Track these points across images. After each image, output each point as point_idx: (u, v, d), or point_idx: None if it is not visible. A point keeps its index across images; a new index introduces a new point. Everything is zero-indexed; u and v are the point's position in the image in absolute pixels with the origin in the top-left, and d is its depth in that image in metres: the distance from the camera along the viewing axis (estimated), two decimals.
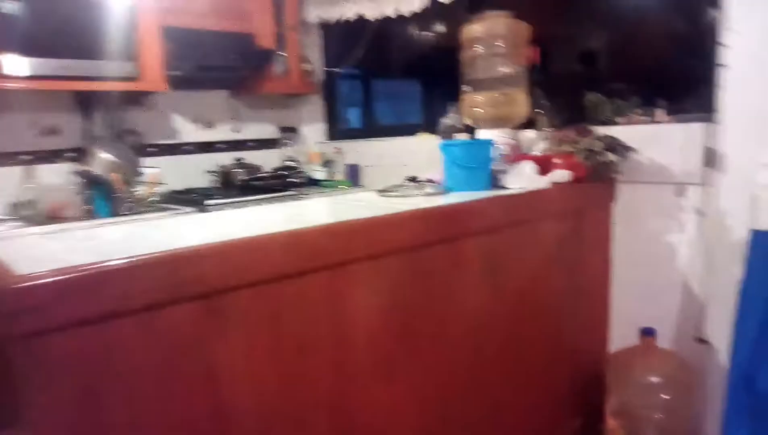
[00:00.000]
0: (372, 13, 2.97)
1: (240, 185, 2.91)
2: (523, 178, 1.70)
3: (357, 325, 1.27)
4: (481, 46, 2.07)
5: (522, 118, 2.05)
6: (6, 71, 2.20)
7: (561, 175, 1.74)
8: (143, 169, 2.69)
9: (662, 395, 1.68)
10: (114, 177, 2.46)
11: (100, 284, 0.94)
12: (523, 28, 2.04)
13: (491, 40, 2.05)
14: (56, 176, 2.63)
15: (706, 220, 1.76)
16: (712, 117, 1.69)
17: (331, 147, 3.34)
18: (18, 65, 2.23)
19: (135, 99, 2.84)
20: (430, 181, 1.79)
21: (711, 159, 1.71)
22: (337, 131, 3.50)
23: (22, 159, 2.58)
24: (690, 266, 1.82)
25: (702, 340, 1.77)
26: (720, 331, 1.69)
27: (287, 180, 3.06)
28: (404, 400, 1.39)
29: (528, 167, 1.72)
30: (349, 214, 1.35)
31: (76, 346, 0.92)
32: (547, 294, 1.76)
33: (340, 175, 3.23)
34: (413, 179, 1.78)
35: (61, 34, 2.37)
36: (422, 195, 1.65)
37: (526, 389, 1.73)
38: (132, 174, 2.57)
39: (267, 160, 3.31)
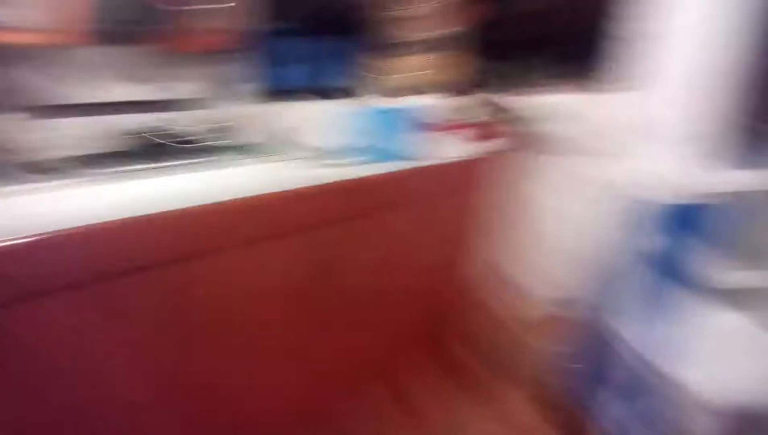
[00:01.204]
0: None
1: (158, 149, 2.74)
2: (447, 147, 1.68)
3: (248, 306, 1.23)
4: (407, 8, 2.00)
5: (451, 83, 2.01)
6: None
7: (485, 144, 1.72)
8: (54, 130, 2.48)
9: (572, 363, 1.74)
10: (21, 139, 2.25)
11: None
12: None
13: (418, 1, 1.98)
14: None
15: (613, 191, 1.77)
16: (616, 88, 1.70)
17: (254, 109, 3.20)
18: None
19: (36, 54, 2.60)
20: (350, 148, 1.74)
21: (636, 129, 1.72)
22: (262, 93, 3.34)
23: None
24: (597, 237, 1.85)
25: (602, 309, 1.82)
26: (598, 293, 1.75)
27: (209, 144, 2.91)
28: (294, 379, 1.38)
29: (453, 136, 1.70)
30: (258, 187, 1.28)
31: None
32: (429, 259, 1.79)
33: (263, 139, 3.10)
34: (332, 147, 1.71)
35: None
36: (341, 165, 1.60)
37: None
38: (41, 136, 2.37)
39: (187, 122, 3.13)
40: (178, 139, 2.85)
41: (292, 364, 1.36)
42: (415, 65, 2.02)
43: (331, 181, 1.37)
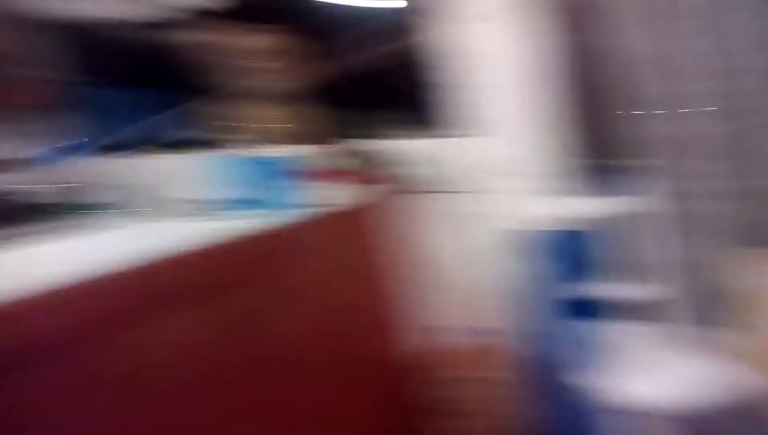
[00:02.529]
0: (118, 15, 2.62)
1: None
2: (316, 196, 1.66)
3: (173, 371, 1.09)
4: (249, 60, 2.00)
5: (305, 134, 2.03)
6: None
7: (354, 190, 1.76)
8: None
9: (476, 388, 1.80)
10: None
11: None
12: (300, 45, 2.05)
13: (267, 55, 2.01)
14: None
15: (475, 223, 1.91)
16: (469, 132, 1.87)
17: (82, 166, 2.88)
18: None
19: None
20: (224, 201, 1.63)
21: (481, 168, 1.88)
22: (99, 148, 3.03)
23: None
24: (476, 266, 1.96)
25: (489, 333, 1.90)
26: (507, 323, 1.85)
27: (43, 205, 2.54)
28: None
29: (319, 184, 1.69)
30: (156, 246, 1.14)
31: None
32: (344, 307, 1.75)
33: (106, 198, 2.80)
34: (202, 200, 1.61)
35: None
36: (218, 219, 1.49)
37: (338, 401, 1.66)
38: None
39: (23, 183, 2.70)
40: (19, 202, 2.46)
41: None
42: (265, 117, 2.03)
43: (225, 235, 1.28)
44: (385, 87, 2.27)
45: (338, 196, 1.72)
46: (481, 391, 1.82)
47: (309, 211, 1.60)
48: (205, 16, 2.40)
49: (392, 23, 2.28)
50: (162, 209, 1.82)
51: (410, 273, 2.07)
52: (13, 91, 2.55)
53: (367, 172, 1.83)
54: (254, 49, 1.97)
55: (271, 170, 1.63)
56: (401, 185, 1.97)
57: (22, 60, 2.57)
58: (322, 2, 2.34)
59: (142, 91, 3.10)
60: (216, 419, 1.19)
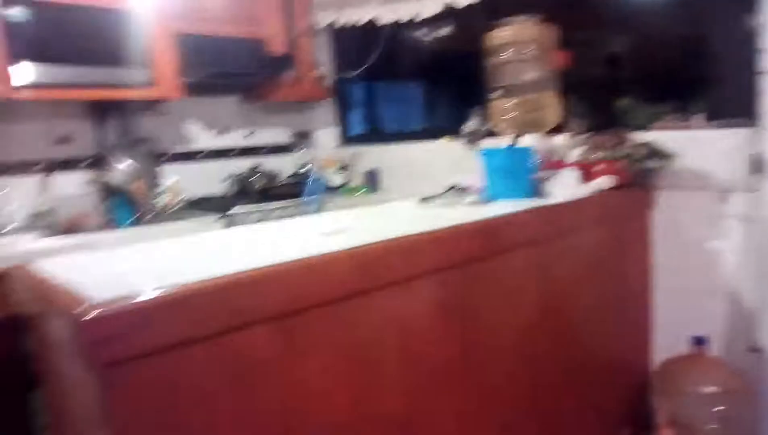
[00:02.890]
0: (384, 18, 2.93)
1: (259, 192, 2.87)
2: (566, 186, 1.69)
3: (420, 341, 1.25)
4: (509, 52, 2.05)
5: (552, 123, 2.03)
6: (18, 80, 2.14)
7: (604, 181, 1.72)
8: (163, 177, 2.64)
9: (717, 406, 1.66)
10: (136, 186, 2.41)
11: (178, 310, 0.91)
12: (551, 33, 2.02)
13: (520, 45, 2.03)
14: (72, 185, 2.58)
15: (754, 227, 1.73)
16: (754, 122, 1.68)
17: (345, 152, 3.31)
18: (30, 74, 2.17)
19: (149, 106, 2.80)
20: (470, 189, 1.77)
21: (757, 165, 1.69)
22: (351, 136, 3.46)
23: (37, 168, 2.52)
24: (738, 274, 1.80)
25: (755, 349, 1.75)
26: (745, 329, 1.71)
27: (309, 185, 3.01)
28: (466, 413, 1.37)
29: (570, 174, 1.71)
30: (406, 226, 1.32)
31: (153, 375, 0.88)
32: (590, 303, 1.75)
33: (357, 181, 3.20)
34: (455, 187, 1.75)
35: (74, 41, 2.31)
36: (467, 204, 1.63)
37: (574, 399, 1.71)
38: (152, 182, 2.53)
39: (281, 167, 3.27)
40: (280, 183, 2.97)
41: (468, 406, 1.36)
42: (513, 108, 2.05)
43: (473, 220, 1.39)
44: (649, 76, 2.19)
45: (588, 186, 1.72)
46: (733, 413, 1.69)
47: (555, 200, 1.64)
48: (461, 11, 2.57)
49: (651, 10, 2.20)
50: (407, 193, 2.03)
51: (666, 275, 1.98)
52: (294, 87, 3.08)
53: (608, 163, 1.78)
54: (511, 40, 2.00)
55: (520, 159, 1.71)
56: (662, 180, 1.88)
57: (302, 61, 3.09)
58: None
59: (401, 84, 3.47)
60: (427, 403, 1.27)
